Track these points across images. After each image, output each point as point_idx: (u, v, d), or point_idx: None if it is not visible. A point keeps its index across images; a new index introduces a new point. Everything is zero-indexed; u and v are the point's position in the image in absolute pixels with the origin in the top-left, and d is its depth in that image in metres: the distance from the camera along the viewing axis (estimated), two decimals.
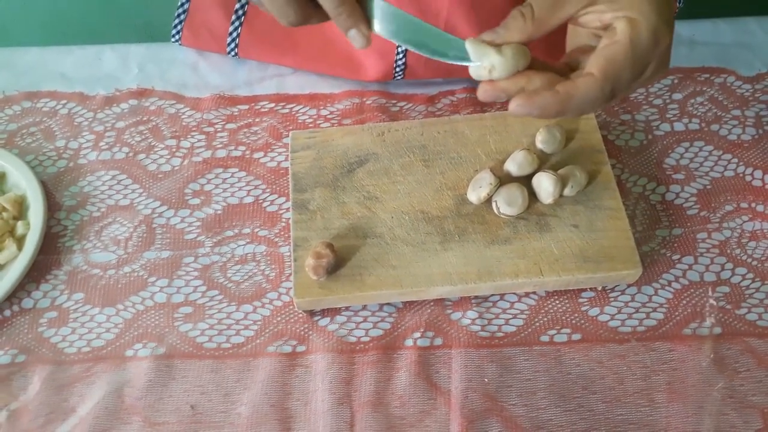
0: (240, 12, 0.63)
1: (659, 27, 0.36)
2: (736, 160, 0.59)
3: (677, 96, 0.62)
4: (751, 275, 0.53)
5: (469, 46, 0.37)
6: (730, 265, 0.53)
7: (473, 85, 0.61)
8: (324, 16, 0.38)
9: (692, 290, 0.52)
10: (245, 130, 0.61)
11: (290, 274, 0.53)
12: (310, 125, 0.61)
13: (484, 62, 0.36)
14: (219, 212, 0.57)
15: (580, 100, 0.35)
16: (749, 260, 0.54)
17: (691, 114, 0.61)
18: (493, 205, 0.52)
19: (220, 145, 0.61)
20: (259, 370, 0.49)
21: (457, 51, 0.38)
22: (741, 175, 0.58)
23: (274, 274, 0.54)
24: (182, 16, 0.64)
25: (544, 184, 0.52)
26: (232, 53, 0.64)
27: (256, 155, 0.60)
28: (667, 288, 0.52)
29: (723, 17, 0.68)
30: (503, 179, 0.54)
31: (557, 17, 0.37)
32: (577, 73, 0.37)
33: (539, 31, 0.36)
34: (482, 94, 0.37)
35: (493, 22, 0.39)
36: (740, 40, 0.66)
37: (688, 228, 0.55)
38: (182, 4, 0.64)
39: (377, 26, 0.38)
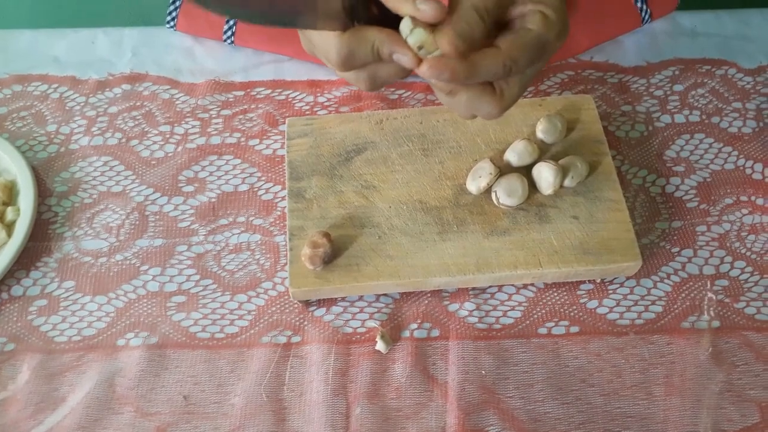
0: None
1: (563, 28, 0.39)
2: (736, 152, 0.58)
3: (678, 87, 0.62)
4: (750, 269, 0.53)
5: (405, 23, 0.37)
6: (729, 259, 0.53)
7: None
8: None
9: (691, 283, 0.52)
10: (240, 116, 0.60)
11: (285, 264, 0.52)
12: (307, 112, 0.61)
13: (411, 40, 0.37)
14: (213, 200, 0.56)
15: (481, 70, 0.37)
16: (748, 253, 0.53)
17: (692, 106, 0.61)
18: (493, 195, 0.52)
19: (214, 132, 0.59)
20: (253, 360, 0.48)
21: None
22: (741, 168, 0.57)
23: (269, 263, 0.53)
24: (177, 2, 0.62)
25: (545, 175, 0.51)
26: (228, 41, 0.63)
27: (251, 142, 0.59)
28: (666, 281, 0.52)
29: (725, 8, 0.67)
30: (503, 169, 0.53)
31: (496, 12, 0.38)
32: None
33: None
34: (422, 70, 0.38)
35: None
36: (742, 31, 0.65)
37: (687, 221, 0.55)
38: None
39: None
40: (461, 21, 0.36)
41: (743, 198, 0.56)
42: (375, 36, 0.37)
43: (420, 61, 0.37)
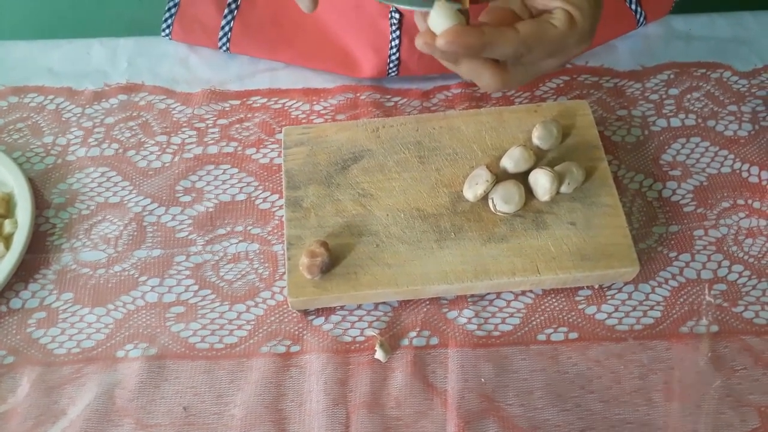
0: (233, 6, 0.62)
1: (587, 34, 0.39)
2: (732, 156, 0.58)
3: (673, 91, 0.62)
4: (747, 272, 0.53)
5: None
6: (726, 263, 0.53)
7: (468, 80, 0.61)
8: None
9: (689, 288, 0.52)
10: (237, 125, 0.60)
11: (284, 273, 0.52)
12: (304, 121, 0.61)
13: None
14: (211, 210, 0.56)
15: (496, 45, 0.37)
16: (746, 257, 0.53)
17: (688, 110, 0.61)
18: (490, 202, 0.52)
19: (211, 141, 0.59)
20: (253, 370, 0.48)
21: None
22: (737, 171, 0.58)
23: (267, 272, 0.53)
24: (173, 10, 0.62)
25: (541, 181, 0.51)
26: (224, 48, 0.63)
27: (248, 151, 0.59)
28: (664, 285, 0.52)
29: (719, 11, 0.67)
30: (499, 176, 0.53)
31: None
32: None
33: None
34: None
35: None
36: (737, 34, 0.66)
37: (684, 225, 0.55)
38: None
39: None
40: None
41: (740, 201, 0.56)
42: None
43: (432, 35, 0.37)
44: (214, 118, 0.61)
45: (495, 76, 0.40)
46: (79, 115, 0.61)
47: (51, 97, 0.62)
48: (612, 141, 0.59)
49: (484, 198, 0.52)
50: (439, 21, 0.38)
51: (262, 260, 0.53)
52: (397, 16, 0.59)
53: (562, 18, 0.38)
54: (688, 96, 0.62)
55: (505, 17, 0.40)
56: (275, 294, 0.52)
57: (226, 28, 0.62)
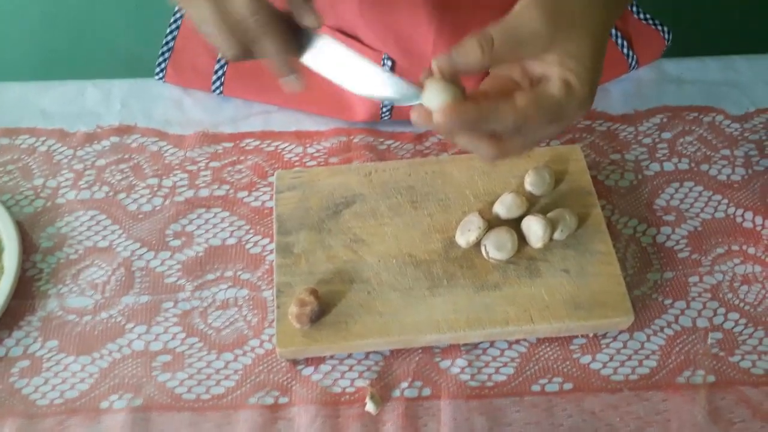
0: None
1: (586, 100, 0.38)
2: (726, 201, 0.58)
3: (666, 135, 0.62)
4: (743, 320, 0.52)
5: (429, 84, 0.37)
6: (722, 310, 0.52)
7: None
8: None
9: (685, 336, 0.51)
10: (229, 168, 0.60)
11: (273, 320, 0.51)
12: (296, 163, 0.60)
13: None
14: (200, 254, 0.55)
15: (493, 119, 0.37)
16: (742, 305, 0.53)
17: (681, 154, 0.61)
18: (482, 249, 0.51)
19: (203, 184, 0.59)
20: (240, 423, 0.47)
21: (397, 92, 0.38)
22: (731, 216, 0.57)
23: (256, 319, 0.52)
24: (167, 54, 0.63)
25: (534, 228, 0.51)
26: (217, 91, 0.63)
27: (240, 194, 0.59)
28: (659, 334, 0.51)
29: (710, 55, 0.68)
30: (492, 222, 0.52)
31: (513, 56, 0.38)
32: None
33: (492, 64, 0.37)
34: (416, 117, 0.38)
35: None
36: (728, 78, 0.66)
37: (679, 271, 0.54)
38: (167, 42, 0.63)
39: (309, 59, 0.40)
40: (460, 46, 0.36)
41: (735, 247, 0.55)
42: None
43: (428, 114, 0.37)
44: (207, 161, 0.60)
45: (492, 147, 0.39)
46: (70, 157, 0.61)
47: (43, 138, 0.62)
48: (605, 185, 0.59)
49: (477, 245, 0.52)
50: (433, 98, 0.37)
51: (251, 307, 0.53)
52: (389, 63, 0.60)
53: (560, 85, 0.37)
54: (681, 140, 0.62)
55: (505, 85, 0.39)
56: (264, 342, 0.51)
57: (219, 72, 0.62)
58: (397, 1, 0.53)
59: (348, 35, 0.59)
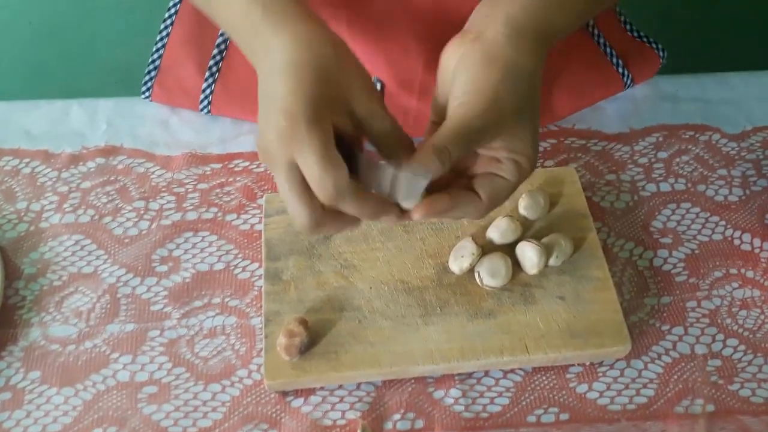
0: (214, 69, 0.61)
1: (532, 168, 0.42)
2: (723, 222, 0.57)
3: (662, 155, 0.61)
4: (743, 347, 0.51)
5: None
6: (721, 336, 0.51)
7: None
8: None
9: (683, 364, 0.50)
10: (218, 190, 0.59)
11: (262, 350, 0.50)
12: None
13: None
14: (188, 280, 0.54)
15: (463, 211, 0.41)
16: (740, 330, 0.52)
17: (677, 174, 0.60)
18: (476, 275, 0.50)
19: (190, 207, 0.58)
20: None
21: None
22: (729, 238, 0.56)
23: (244, 348, 0.51)
24: (153, 73, 0.61)
25: (528, 255, 0.50)
26: (205, 111, 0.62)
27: (228, 217, 0.57)
28: (657, 361, 0.50)
29: (706, 72, 0.67)
30: (486, 247, 0.51)
31: (467, 152, 0.40)
32: (462, 190, 0.41)
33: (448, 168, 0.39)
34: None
35: None
36: (724, 96, 0.65)
37: (677, 296, 0.53)
38: (153, 61, 0.62)
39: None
40: (420, 160, 0.38)
41: (733, 271, 0.55)
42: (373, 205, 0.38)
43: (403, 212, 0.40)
44: (195, 183, 0.59)
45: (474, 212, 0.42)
46: (54, 179, 0.59)
47: (27, 160, 0.60)
48: (601, 207, 0.58)
49: (471, 271, 0.50)
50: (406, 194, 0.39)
51: (239, 335, 0.51)
52: (378, 85, 0.59)
53: (510, 168, 0.40)
54: (678, 159, 0.61)
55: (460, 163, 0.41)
56: (252, 372, 0.50)
57: (207, 91, 0.61)
58: (386, 30, 0.53)
59: None
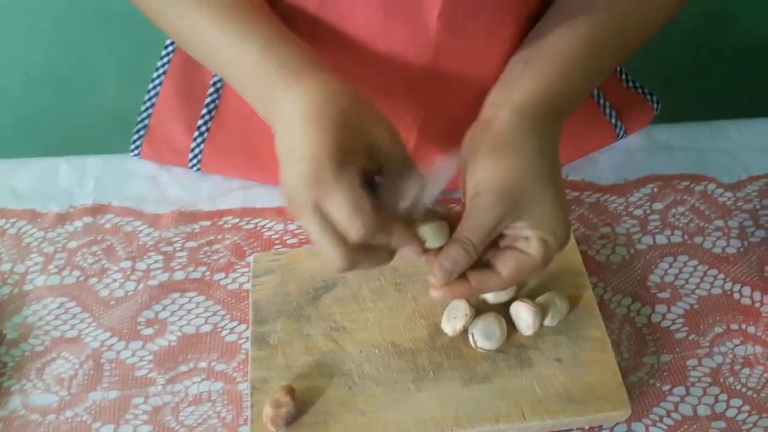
0: (203, 128, 0.60)
1: (563, 244, 0.42)
2: (722, 275, 0.56)
3: (658, 206, 0.60)
4: (747, 407, 0.49)
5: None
6: (724, 396, 0.50)
7: (445, 196, 0.59)
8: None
9: (686, 426, 0.48)
10: (206, 248, 0.58)
11: (248, 418, 0.48)
12: (276, 241, 0.58)
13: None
14: (173, 344, 0.53)
15: (485, 291, 0.43)
16: (744, 390, 0.50)
17: (673, 225, 0.59)
18: (470, 337, 0.49)
19: (178, 267, 0.57)
20: None
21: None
22: (729, 292, 0.55)
23: (230, 416, 0.49)
24: (142, 132, 0.61)
25: (523, 315, 0.49)
26: (195, 168, 0.61)
27: (216, 277, 0.56)
28: (658, 424, 0.49)
29: (699, 121, 0.67)
30: (479, 307, 0.50)
31: (490, 239, 0.41)
32: (489, 269, 0.42)
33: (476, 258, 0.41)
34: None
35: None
36: (718, 144, 0.65)
37: (677, 354, 0.52)
38: (142, 119, 0.61)
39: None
40: (449, 256, 0.40)
41: (734, 326, 0.53)
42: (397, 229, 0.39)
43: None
44: (183, 241, 0.58)
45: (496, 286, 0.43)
46: (40, 239, 0.58)
47: (13, 220, 0.60)
48: (596, 261, 0.57)
49: (464, 332, 0.49)
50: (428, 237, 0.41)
51: (225, 402, 0.50)
52: None
53: (537, 245, 0.40)
54: (673, 210, 0.60)
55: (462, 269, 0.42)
56: None
57: (197, 150, 0.60)
58: (380, 97, 0.52)
59: None
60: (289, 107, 0.39)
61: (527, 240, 0.41)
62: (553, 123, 0.42)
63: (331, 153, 0.36)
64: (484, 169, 0.40)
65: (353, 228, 0.36)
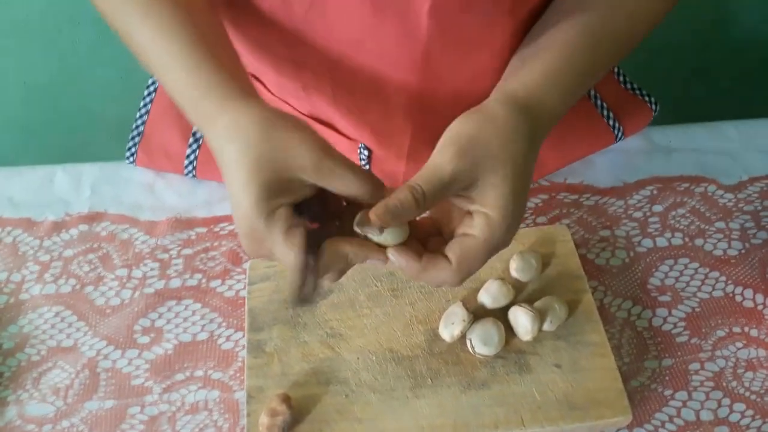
0: (198, 135, 0.60)
1: (510, 227, 0.40)
2: (724, 278, 0.55)
3: (658, 208, 0.60)
4: (750, 412, 0.49)
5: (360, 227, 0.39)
6: (727, 401, 0.49)
7: None
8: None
9: None
10: (202, 255, 0.57)
11: (244, 427, 0.48)
12: None
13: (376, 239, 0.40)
14: (170, 352, 0.52)
15: (434, 276, 0.40)
16: (747, 394, 0.49)
17: (674, 228, 0.58)
18: (468, 343, 0.48)
19: (174, 274, 0.56)
20: None
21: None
22: (731, 295, 0.54)
23: (227, 425, 0.48)
24: (136, 139, 0.61)
25: (521, 321, 0.48)
26: (190, 174, 0.61)
27: (212, 284, 0.56)
28: (660, 430, 0.48)
29: (698, 122, 0.66)
30: (477, 312, 0.50)
31: (443, 197, 0.39)
32: (434, 254, 0.40)
33: (426, 210, 0.39)
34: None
35: None
36: (718, 145, 0.64)
37: (678, 358, 0.51)
38: (137, 127, 0.61)
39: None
40: (395, 198, 0.38)
41: (736, 329, 0.52)
42: (349, 249, 0.39)
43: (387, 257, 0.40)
44: (179, 248, 0.58)
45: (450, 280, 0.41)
46: (36, 248, 0.58)
47: (8, 229, 0.59)
48: (596, 265, 0.56)
49: (462, 337, 0.48)
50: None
51: (221, 410, 0.49)
52: (366, 152, 0.58)
53: (480, 222, 0.39)
54: (673, 213, 0.59)
55: (445, 215, 0.42)
56: None
57: (192, 156, 0.60)
58: (372, 102, 0.52)
59: (323, 123, 0.57)
60: (216, 140, 0.39)
61: (470, 218, 0.39)
62: (537, 114, 0.41)
63: (258, 205, 0.37)
64: (455, 125, 0.40)
65: (292, 267, 0.37)
